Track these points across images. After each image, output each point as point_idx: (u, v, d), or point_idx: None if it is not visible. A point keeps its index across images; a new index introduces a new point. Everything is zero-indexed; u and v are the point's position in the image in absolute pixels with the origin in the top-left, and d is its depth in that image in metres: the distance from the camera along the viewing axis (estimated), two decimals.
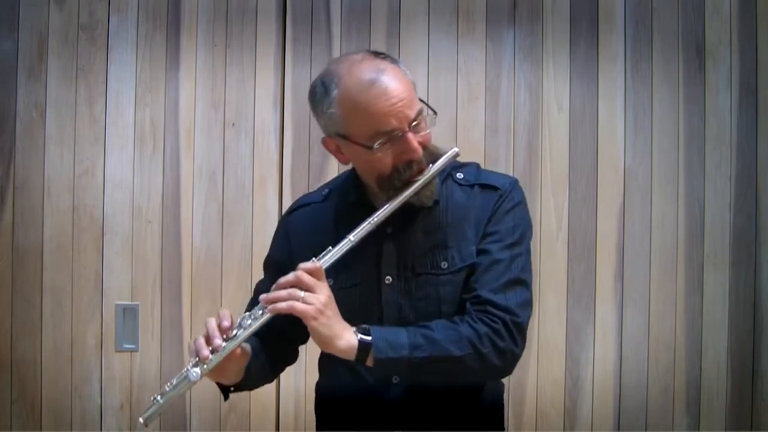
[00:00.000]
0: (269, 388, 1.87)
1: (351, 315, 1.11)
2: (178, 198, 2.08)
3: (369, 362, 1.06)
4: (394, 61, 1.13)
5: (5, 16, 2.06)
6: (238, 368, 1.15)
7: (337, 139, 1.14)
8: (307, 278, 1.06)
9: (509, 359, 1.13)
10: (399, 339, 1.07)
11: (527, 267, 1.17)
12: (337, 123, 1.11)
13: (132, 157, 2.08)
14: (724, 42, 2.11)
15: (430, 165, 1.14)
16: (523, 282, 1.15)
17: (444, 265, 1.15)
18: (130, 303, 2.07)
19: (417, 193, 1.13)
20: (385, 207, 1.11)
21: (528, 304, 1.15)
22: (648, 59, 2.12)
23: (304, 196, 1.36)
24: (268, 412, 2.08)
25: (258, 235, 2.07)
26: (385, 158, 1.11)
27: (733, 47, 2.11)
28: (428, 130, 1.14)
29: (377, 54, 1.13)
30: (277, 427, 2.08)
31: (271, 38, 2.10)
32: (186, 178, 2.09)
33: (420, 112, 1.11)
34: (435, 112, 1.15)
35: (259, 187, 2.09)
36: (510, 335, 1.10)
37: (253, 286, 1.33)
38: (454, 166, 1.22)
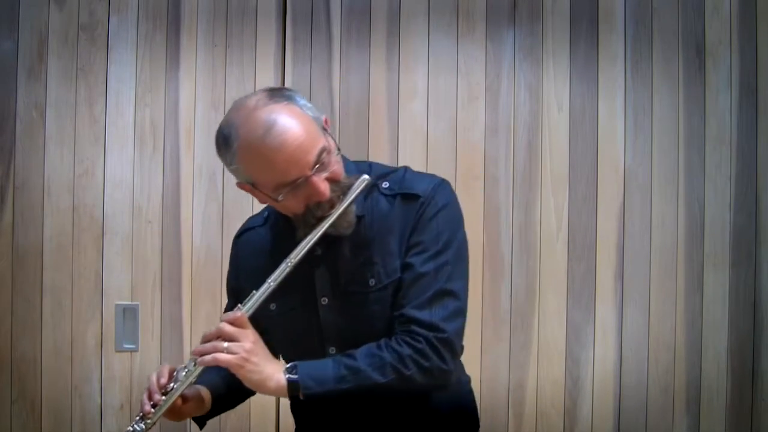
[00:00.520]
0: None
1: (294, 337, 1.14)
2: (178, 198, 2.09)
3: (302, 396, 1.08)
4: (290, 98, 1.10)
5: (5, 16, 2.06)
6: (196, 407, 1.19)
7: (248, 186, 1.14)
8: (229, 328, 1.07)
9: (437, 376, 1.12)
10: (325, 373, 1.09)
11: (456, 274, 1.14)
12: (242, 175, 1.12)
13: (132, 157, 2.08)
14: (724, 42, 2.11)
15: (341, 197, 1.11)
16: (449, 293, 1.12)
17: (372, 282, 1.14)
18: (130, 303, 2.07)
19: (333, 225, 1.11)
20: (300, 246, 1.11)
21: (457, 314, 1.13)
22: (648, 59, 2.12)
23: (250, 218, 1.36)
24: (268, 412, 2.08)
25: None
26: (293, 204, 1.11)
27: (733, 47, 2.11)
28: (335, 166, 1.11)
29: (273, 93, 1.10)
30: (277, 428, 2.09)
31: (271, 38, 2.10)
32: (186, 178, 2.09)
33: (323, 151, 1.08)
34: (339, 148, 1.13)
35: None
36: (436, 353, 1.10)
37: None
38: (380, 174, 1.19)
